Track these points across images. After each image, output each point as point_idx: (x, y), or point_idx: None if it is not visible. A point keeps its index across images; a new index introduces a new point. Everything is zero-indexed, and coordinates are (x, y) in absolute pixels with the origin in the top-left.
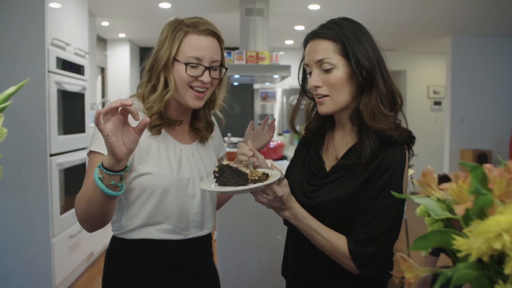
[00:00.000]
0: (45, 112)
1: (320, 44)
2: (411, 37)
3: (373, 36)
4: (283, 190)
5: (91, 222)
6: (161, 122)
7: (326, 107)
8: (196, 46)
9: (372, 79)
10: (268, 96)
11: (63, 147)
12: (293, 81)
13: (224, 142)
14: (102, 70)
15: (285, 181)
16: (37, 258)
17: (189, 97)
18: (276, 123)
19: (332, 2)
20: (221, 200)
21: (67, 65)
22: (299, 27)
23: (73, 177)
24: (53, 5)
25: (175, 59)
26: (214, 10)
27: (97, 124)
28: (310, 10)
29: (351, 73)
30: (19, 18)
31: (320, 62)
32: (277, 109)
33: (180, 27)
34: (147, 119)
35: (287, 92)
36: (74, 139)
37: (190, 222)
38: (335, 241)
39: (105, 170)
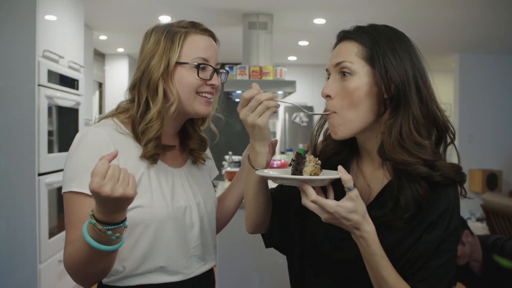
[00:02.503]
0: (34, 128)
1: (344, 46)
2: None
3: (419, 52)
4: (345, 204)
5: (93, 280)
6: (159, 151)
7: (336, 130)
8: (202, 46)
9: (402, 96)
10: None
11: (53, 165)
12: (296, 98)
13: (225, 161)
14: (100, 86)
15: (354, 193)
16: (23, 285)
17: (198, 104)
18: (278, 141)
19: (338, 16)
20: (222, 221)
21: (60, 79)
22: (303, 43)
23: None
24: (47, 17)
25: (178, 63)
26: (217, 24)
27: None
28: (315, 25)
29: (375, 86)
30: (9, 28)
31: (339, 66)
32: (279, 126)
33: (175, 30)
34: (116, 151)
35: (290, 110)
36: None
37: (191, 257)
38: None
39: (110, 227)
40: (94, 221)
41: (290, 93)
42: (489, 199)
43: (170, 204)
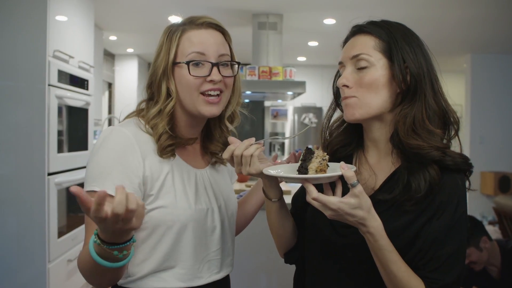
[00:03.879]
0: (44, 128)
1: (360, 39)
2: None
3: (428, 48)
4: (348, 200)
5: (106, 285)
6: (173, 141)
7: (354, 111)
8: (196, 41)
9: (419, 87)
10: (279, 114)
11: (63, 165)
12: (305, 99)
13: None
14: (110, 86)
15: (357, 189)
16: (31, 285)
17: (200, 104)
18: (286, 142)
19: (348, 16)
20: (240, 225)
21: (70, 79)
22: (313, 43)
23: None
24: (58, 17)
25: (175, 63)
26: (226, 24)
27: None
28: (325, 25)
29: (391, 78)
30: (20, 28)
31: (355, 58)
32: (288, 127)
33: (175, 28)
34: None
35: (299, 110)
36: (75, 157)
37: (210, 261)
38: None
39: (116, 247)
40: (99, 241)
41: (299, 94)
42: (501, 202)
43: (193, 205)
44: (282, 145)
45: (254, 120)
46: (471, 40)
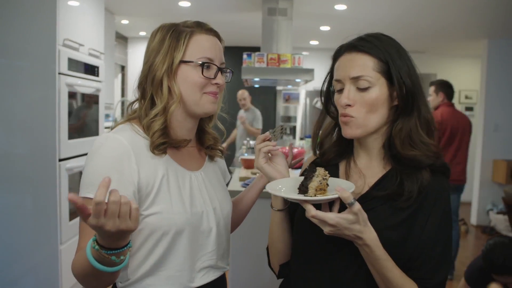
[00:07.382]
0: (55, 115)
1: (357, 59)
2: (443, 39)
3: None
4: (346, 216)
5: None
6: (166, 140)
7: (352, 130)
8: (206, 46)
9: (414, 102)
10: (291, 98)
11: (74, 151)
12: (317, 83)
13: (244, 145)
14: (123, 69)
15: (356, 207)
16: (44, 265)
17: (205, 102)
18: (298, 126)
19: (359, 1)
20: (236, 223)
21: (80, 67)
22: (325, 28)
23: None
24: (68, 3)
25: (182, 61)
26: (236, 9)
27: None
28: (336, 10)
29: (389, 95)
30: (30, 17)
31: (356, 79)
32: (300, 111)
33: (180, 29)
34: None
35: (311, 94)
36: (86, 143)
37: (205, 262)
38: None
39: (114, 252)
40: (98, 247)
41: (308, 81)
42: (511, 192)
43: (188, 209)
44: (294, 129)
45: (266, 105)
46: (488, 25)
